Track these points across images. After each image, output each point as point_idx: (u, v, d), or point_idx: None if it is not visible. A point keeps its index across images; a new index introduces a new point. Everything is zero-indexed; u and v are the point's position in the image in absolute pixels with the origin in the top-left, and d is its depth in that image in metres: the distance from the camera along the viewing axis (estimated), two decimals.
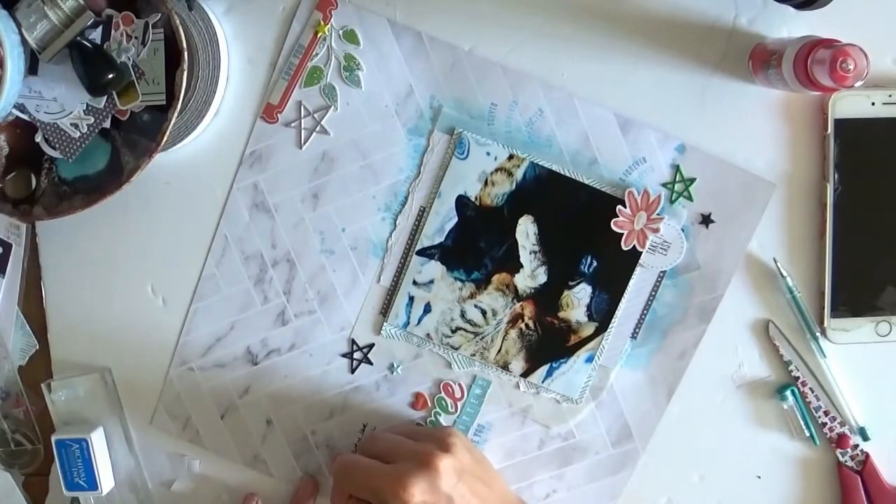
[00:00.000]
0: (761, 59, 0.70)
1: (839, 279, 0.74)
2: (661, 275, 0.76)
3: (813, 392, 0.76)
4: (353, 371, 0.79)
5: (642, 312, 0.76)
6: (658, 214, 0.74)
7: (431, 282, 0.77)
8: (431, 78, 0.75)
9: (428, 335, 0.77)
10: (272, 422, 0.80)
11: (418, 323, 0.77)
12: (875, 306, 0.74)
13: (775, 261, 0.75)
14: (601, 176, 0.75)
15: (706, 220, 0.75)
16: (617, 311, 0.76)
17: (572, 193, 0.75)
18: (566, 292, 0.76)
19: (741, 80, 0.73)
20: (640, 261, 0.75)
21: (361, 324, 0.78)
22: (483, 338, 0.77)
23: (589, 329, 0.77)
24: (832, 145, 0.72)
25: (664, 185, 0.75)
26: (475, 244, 0.76)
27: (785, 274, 0.74)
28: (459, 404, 0.79)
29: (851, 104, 0.71)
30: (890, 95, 0.71)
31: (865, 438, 0.76)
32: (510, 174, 0.75)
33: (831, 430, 0.76)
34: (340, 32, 0.75)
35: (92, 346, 0.81)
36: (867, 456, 0.76)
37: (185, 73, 0.69)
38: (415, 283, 0.77)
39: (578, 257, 0.76)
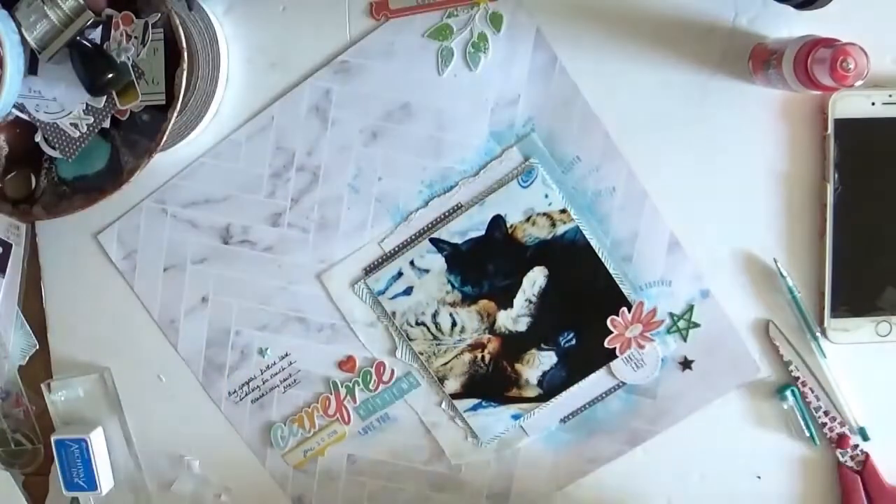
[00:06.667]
0: (761, 59, 0.70)
1: (839, 279, 0.74)
2: (621, 385, 0.77)
3: (813, 392, 0.76)
4: None
5: (584, 406, 0.78)
6: (651, 335, 0.76)
7: (427, 271, 0.77)
8: (541, 102, 0.74)
9: (393, 313, 0.77)
10: (207, 300, 0.79)
11: (392, 298, 0.77)
12: (875, 306, 0.74)
13: (775, 261, 0.75)
14: (626, 274, 0.76)
15: (686, 364, 0.76)
16: (564, 392, 0.77)
17: (593, 273, 0.75)
18: (534, 351, 0.77)
19: (741, 80, 0.73)
20: (611, 363, 0.77)
21: (341, 268, 0.78)
22: (439, 345, 0.77)
23: (532, 392, 0.78)
24: (832, 145, 0.72)
25: (671, 314, 0.76)
26: (484, 264, 0.76)
27: (785, 274, 0.74)
28: (381, 387, 0.79)
29: (851, 104, 0.71)
30: (890, 95, 0.71)
31: (865, 438, 0.76)
32: (553, 225, 0.75)
33: (831, 430, 0.76)
34: (489, 11, 0.74)
35: (92, 346, 0.81)
36: (867, 456, 0.76)
37: (185, 73, 0.69)
38: (412, 263, 0.77)
39: (563, 328, 0.77)
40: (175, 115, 0.69)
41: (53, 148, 0.73)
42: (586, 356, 0.77)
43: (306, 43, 0.75)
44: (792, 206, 0.74)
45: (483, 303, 0.77)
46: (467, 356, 0.78)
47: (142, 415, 0.82)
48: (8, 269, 0.80)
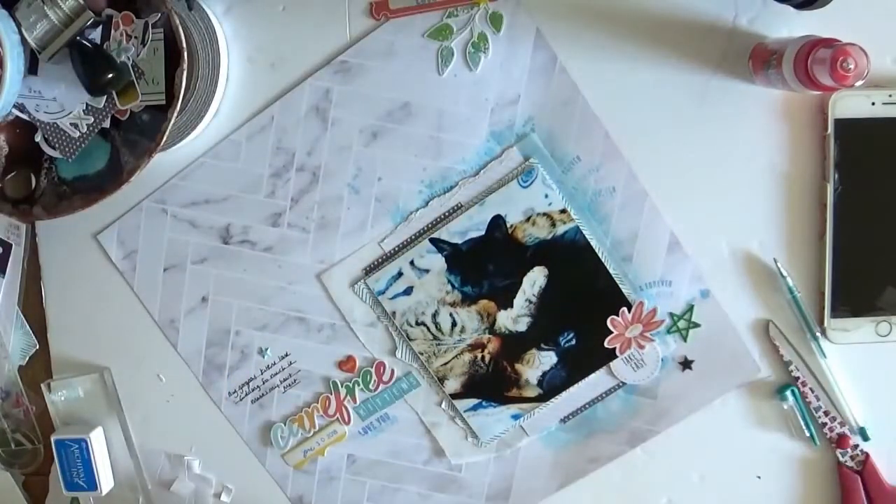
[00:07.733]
0: (761, 59, 0.70)
1: (839, 279, 0.74)
2: (620, 385, 0.77)
3: (813, 392, 0.76)
4: None
5: (584, 406, 0.78)
6: (651, 335, 0.76)
7: (427, 271, 0.77)
8: (541, 101, 0.74)
9: (393, 313, 0.78)
10: (207, 300, 0.79)
11: (392, 298, 0.77)
12: (875, 306, 0.74)
13: (775, 261, 0.75)
14: (626, 274, 0.76)
15: (686, 364, 0.76)
16: (564, 392, 0.77)
17: (593, 273, 0.75)
18: (534, 351, 0.77)
19: (741, 80, 0.73)
20: (611, 363, 0.77)
21: (341, 268, 0.78)
22: (439, 345, 0.78)
23: (532, 392, 0.78)
24: (832, 145, 0.72)
25: (671, 314, 0.76)
26: (484, 264, 0.76)
27: (785, 274, 0.74)
28: (381, 387, 0.79)
29: (851, 104, 0.71)
30: (890, 95, 0.71)
31: (865, 438, 0.76)
32: (553, 225, 0.75)
33: (831, 430, 0.76)
34: (489, 11, 0.74)
35: (92, 346, 0.81)
36: (867, 456, 0.76)
37: (185, 73, 0.69)
38: (412, 263, 0.77)
39: (563, 328, 0.77)
40: (175, 115, 0.69)
41: (53, 148, 0.73)
42: (586, 356, 0.77)
43: (306, 43, 0.75)
44: (792, 206, 0.74)
45: (483, 303, 0.77)
46: (467, 356, 0.78)
47: (142, 415, 0.82)
48: (8, 269, 0.80)
